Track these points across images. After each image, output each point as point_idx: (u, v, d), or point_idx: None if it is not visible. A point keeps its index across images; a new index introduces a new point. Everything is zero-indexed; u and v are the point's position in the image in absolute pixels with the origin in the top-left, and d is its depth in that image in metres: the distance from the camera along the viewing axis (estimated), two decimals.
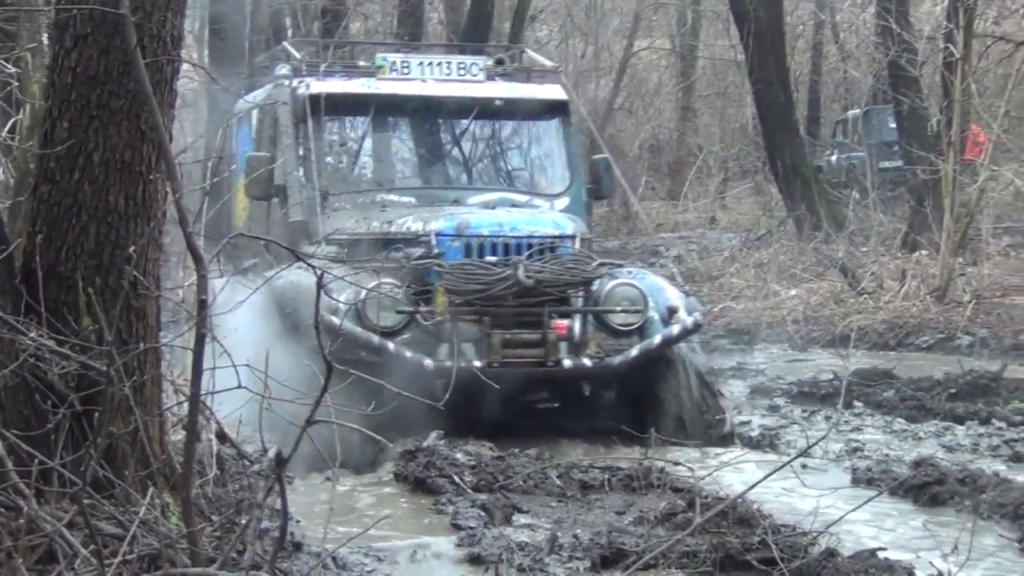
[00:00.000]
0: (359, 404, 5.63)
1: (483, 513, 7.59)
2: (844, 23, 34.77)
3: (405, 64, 11.59)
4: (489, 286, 9.73)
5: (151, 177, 5.44)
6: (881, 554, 6.43)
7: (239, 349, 5.24)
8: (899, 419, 11.10)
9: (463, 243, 10.08)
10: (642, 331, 10.20)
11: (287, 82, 11.32)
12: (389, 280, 9.68)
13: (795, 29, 32.86)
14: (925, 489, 8.27)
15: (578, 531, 7.10)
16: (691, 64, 36.08)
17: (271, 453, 4.78)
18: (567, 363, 9.93)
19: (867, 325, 16.24)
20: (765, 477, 6.44)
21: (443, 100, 11.51)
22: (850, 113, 31.85)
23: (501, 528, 7.31)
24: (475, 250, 10.06)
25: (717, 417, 10.23)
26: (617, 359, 10.04)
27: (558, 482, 8.45)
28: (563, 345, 9.99)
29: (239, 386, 4.99)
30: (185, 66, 6.00)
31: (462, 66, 11.69)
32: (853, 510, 6.72)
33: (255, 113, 12.26)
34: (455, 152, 11.80)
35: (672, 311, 10.23)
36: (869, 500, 7.00)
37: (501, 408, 9.56)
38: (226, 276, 6.02)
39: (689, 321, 10.22)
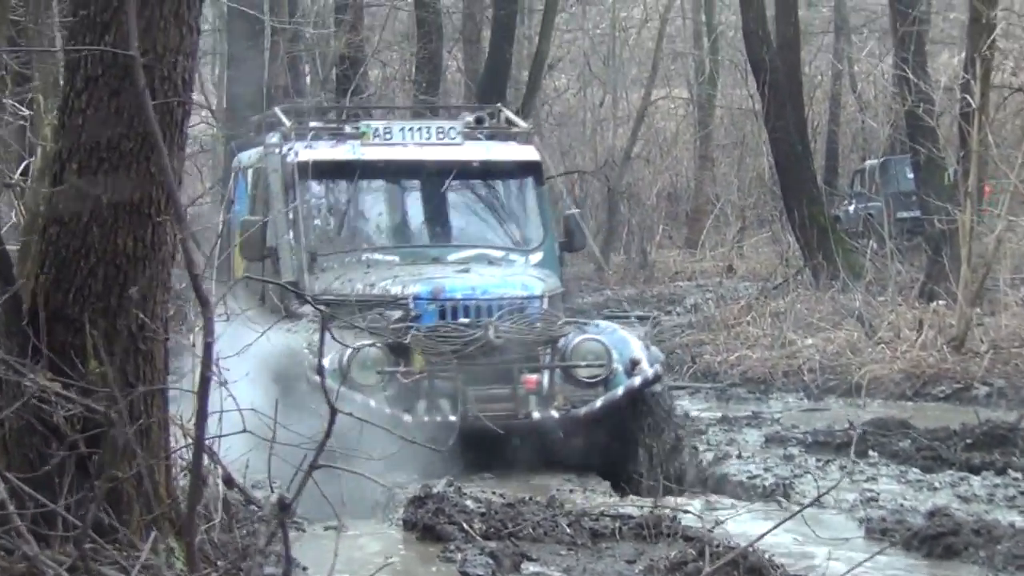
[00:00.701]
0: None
1: (492, 561, 7.54)
2: (861, 73, 34.82)
3: (387, 130, 12.08)
4: (462, 347, 10.24)
5: (160, 220, 5.43)
6: None
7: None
8: (914, 469, 10.99)
9: (438, 306, 10.58)
10: (607, 383, 10.67)
11: (277, 150, 11.71)
12: (370, 341, 10.16)
13: (813, 79, 32.91)
14: (939, 540, 8.18)
15: None
16: (709, 113, 36.15)
17: (273, 498, 4.74)
18: (536, 415, 10.43)
19: (884, 375, 16.16)
20: (776, 526, 6.39)
21: (423, 163, 11.99)
22: (867, 163, 31.82)
23: None
24: (449, 312, 10.57)
25: (680, 463, 10.67)
26: (583, 410, 10.56)
27: (568, 530, 8.40)
28: (532, 398, 10.50)
29: (244, 430, 4.98)
30: (205, 112, 6.02)
31: (440, 130, 12.17)
32: (865, 560, 6.66)
33: (250, 173, 12.79)
34: (435, 212, 12.28)
35: (635, 363, 10.68)
36: (882, 551, 6.94)
37: (480, 454, 10.05)
38: (232, 320, 6.00)
39: (650, 372, 10.67)
